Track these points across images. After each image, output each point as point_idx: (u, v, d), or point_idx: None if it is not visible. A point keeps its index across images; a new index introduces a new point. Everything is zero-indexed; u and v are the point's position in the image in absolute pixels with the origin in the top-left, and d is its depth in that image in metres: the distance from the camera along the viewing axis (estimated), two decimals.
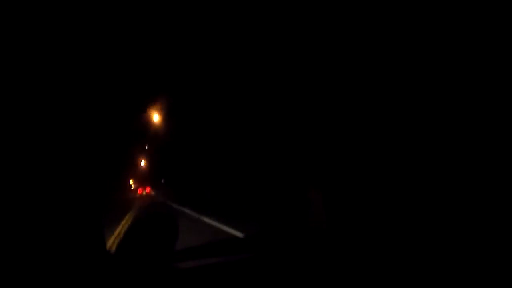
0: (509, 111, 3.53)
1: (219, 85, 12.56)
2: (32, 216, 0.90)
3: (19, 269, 0.84)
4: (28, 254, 0.85)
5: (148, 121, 26.29)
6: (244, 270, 1.20)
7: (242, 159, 11.97)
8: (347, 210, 4.70)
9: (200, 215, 8.39)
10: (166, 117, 22.02)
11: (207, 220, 7.62)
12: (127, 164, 42.11)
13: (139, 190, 50.78)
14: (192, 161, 20.04)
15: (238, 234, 5.73)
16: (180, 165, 22.70)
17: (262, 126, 10.36)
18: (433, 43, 4.32)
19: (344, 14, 5.98)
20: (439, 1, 4.20)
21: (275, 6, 7.49)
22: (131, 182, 56.33)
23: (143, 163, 46.14)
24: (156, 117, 23.24)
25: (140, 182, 53.85)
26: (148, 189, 49.58)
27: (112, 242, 6.42)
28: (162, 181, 35.94)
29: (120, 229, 8.68)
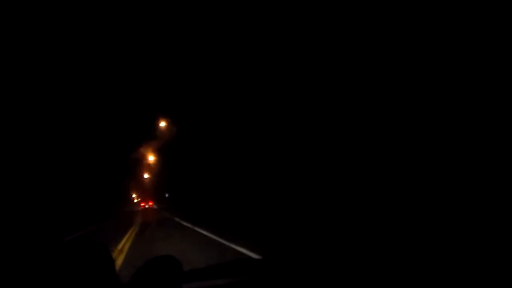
0: (508, 111, 3.63)
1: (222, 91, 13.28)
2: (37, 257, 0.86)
3: None
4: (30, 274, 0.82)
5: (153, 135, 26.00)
6: None
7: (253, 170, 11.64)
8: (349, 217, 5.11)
9: (229, 242, 6.16)
10: (170, 129, 21.61)
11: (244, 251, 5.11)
12: (130, 179, 42.62)
13: (142, 204, 51.61)
14: (201, 173, 19.23)
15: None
16: (188, 178, 21.82)
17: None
18: (432, 44, 4.51)
19: (343, 14, 6.28)
20: (439, 1, 4.27)
21: (275, 6, 7.86)
22: (134, 195, 58.81)
23: (146, 176, 46.00)
24: (160, 127, 22.84)
25: (143, 196, 55.50)
26: (151, 203, 50.34)
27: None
28: (167, 195, 35.07)
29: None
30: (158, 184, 38.24)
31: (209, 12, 11.28)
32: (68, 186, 18.00)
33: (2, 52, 10.82)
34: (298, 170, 8.60)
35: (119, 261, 5.66)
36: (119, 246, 7.53)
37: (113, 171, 27.16)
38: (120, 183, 32.33)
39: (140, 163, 36.12)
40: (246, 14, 9.73)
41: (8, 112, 11.70)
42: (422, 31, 4.98)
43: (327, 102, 7.44)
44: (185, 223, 12.35)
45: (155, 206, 45.38)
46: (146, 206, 47.14)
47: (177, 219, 14.77)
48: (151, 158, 33.16)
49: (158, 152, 28.27)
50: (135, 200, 56.85)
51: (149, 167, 38.43)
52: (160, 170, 31.87)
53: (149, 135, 24.35)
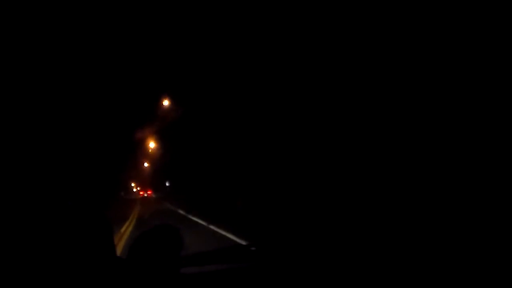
0: (508, 111, 3.97)
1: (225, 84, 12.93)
2: (36, 217, 0.86)
3: (24, 274, 0.81)
4: (33, 256, 0.82)
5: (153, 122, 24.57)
6: (248, 278, 1.23)
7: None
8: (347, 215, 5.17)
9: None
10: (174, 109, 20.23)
11: None
12: (129, 168, 42.53)
13: (141, 192, 55.31)
14: (204, 161, 17.70)
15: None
16: (192, 165, 20.18)
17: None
18: (432, 44, 4.71)
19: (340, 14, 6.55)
20: (439, 2, 4.56)
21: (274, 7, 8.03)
22: (133, 184, 59.08)
23: (146, 165, 44.79)
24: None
25: (143, 185, 57.69)
26: (149, 192, 53.20)
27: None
28: (167, 183, 33.52)
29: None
30: (158, 173, 36.71)
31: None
32: (64, 174, 16.82)
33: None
34: (300, 164, 8.56)
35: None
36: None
37: (113, 159, 25.90)
38: (119, 172, 31.25)
39: (139, 150, 34.58)
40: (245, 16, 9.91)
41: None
42: (422, 31, 5.03)
43: (329, 97, 7.54)
44: (190, 217, 10.86)
45: (153, 195, 47.22)
46: (145, 195, 50.14)
47: (182, 212, 13.38)
48: (152, 144, 31.52)
49: (159, 137, 26.56)
50: (134, 190, 58.39)
51: (149, 155, 36.93)
52: (160, 157, 30.21)
53: (151, 118, 22.63)
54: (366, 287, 1.14)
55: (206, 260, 1.29)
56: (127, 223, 9.67)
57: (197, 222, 9.48)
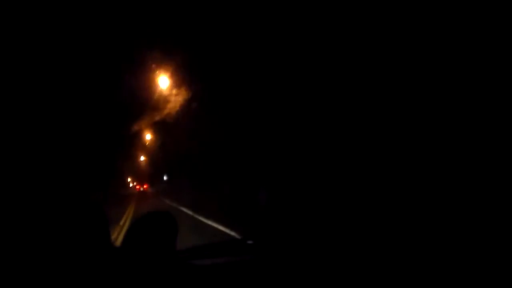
0: (508, 111, 3.82)
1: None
2: (33, 210, 0.87)
3: (21, 265, 0.81)
4: (30, 248, 0.82)
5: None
6: (246, 271, 1.22)
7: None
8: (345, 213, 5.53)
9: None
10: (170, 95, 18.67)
11: None
12: (125, 163, 41.68)
13: (137, 187, 56.22)
14: (206, 153, 16.15)
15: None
16: (191, 159, 18.61)
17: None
18: (432, 44, 4.68)
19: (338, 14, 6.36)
20: (439, 2, 4.62)
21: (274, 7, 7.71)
22: (129, 179, 58.33)
23: (142, 158, 43.32)
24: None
25: (139, 179, 57.83)
26: (146, 186, 53.44)
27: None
28: (165, 177, 31.95)
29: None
30: (155, 166, 35.12)
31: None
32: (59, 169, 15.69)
33: None
34: (302, 162, 8.16)
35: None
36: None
37: (107, 151, 24.59)
38: (114, 165, 30.04)
39: (135, 143, 32.88)
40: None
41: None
42: (422, 31, 4.93)
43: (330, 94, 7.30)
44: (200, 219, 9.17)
45: (149, 190, 47.17)
46: (141, 189, 50.42)
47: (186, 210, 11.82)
48: (148, 136, 29.81)
49: (157, 127, 24.82)
50: (131, 184, 58.70)
51: (145, 148, 35.27)
52: (158, 148, 28.55)
53: (147, 106, 20.89)
54: (364, 284, 1.13)
55: (202, 253, 1.30)
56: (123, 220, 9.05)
57: (215, 228, 7.38)
